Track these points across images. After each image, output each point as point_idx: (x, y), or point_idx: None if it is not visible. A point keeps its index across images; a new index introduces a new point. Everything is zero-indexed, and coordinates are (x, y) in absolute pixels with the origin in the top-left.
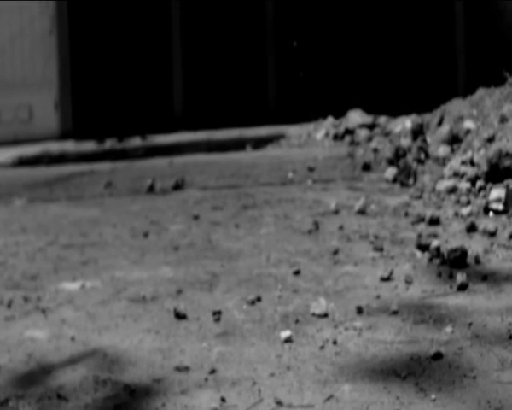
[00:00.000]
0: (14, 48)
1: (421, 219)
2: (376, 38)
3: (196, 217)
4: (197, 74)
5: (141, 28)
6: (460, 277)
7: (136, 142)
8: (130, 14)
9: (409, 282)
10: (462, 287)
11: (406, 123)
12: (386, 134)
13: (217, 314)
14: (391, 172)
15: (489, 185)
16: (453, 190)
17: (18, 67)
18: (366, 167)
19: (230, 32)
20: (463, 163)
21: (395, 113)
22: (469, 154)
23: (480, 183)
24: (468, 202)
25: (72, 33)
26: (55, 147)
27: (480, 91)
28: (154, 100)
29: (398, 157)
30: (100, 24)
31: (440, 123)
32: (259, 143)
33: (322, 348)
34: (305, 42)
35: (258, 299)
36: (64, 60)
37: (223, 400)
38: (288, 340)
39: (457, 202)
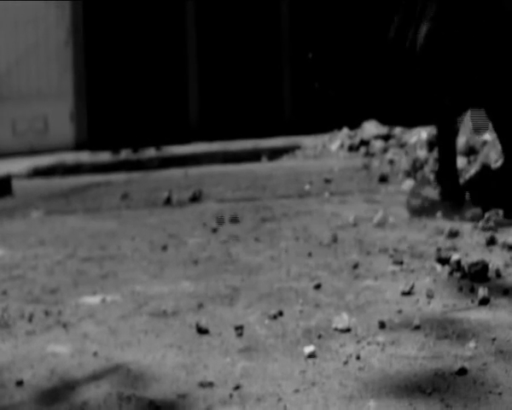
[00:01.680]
0: (29, 59)
1: (440, 232)
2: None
3: (215, 230)
4: (212, 85)
5: (156, 40)
6: (482, 291)
7: (151, 153)
8: (145, 26)
9: (430, 296)
10: (484, 301)
11: (422, 134)
12: (402, 145)
13: (239, 329)
14: (408, 184)
15: None
16: None
17: (33, 79)
18: (383, 179)
19: (246, 43)
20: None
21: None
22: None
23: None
24: None
25: (88, 45)
26: (70, 158)
27: None
28: (170, 111)
29: (415, 169)
30: (115, 36)
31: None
32: (275, 153)
33: (345, 363)
34: (320, 53)
35: (280, 313)
36: (79, 71)
37: None
38: (312, 355)
39: None
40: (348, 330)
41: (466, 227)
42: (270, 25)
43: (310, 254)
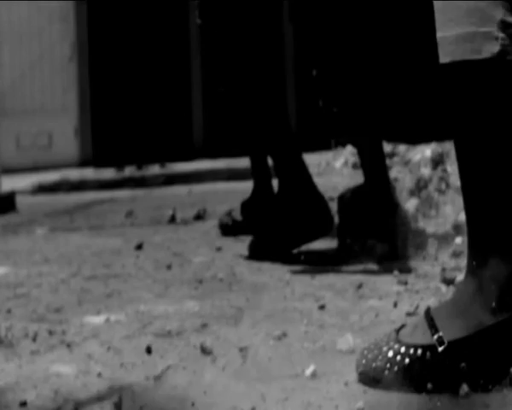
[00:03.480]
0: (33, 74)
1: (444, 252)
2: (394, 64)
3: (219, 249)
4: (216, 102)
5: (161, 56)
6: None
7: (155, 170)
8: (150, 42)
9: None
10: None
11: (426, 152)
12: (406, 163)
13: (243, 350)
14: (413, 203)
15: None
16: None
17: (37, 94)
18: None
19: (249, 60)
20: None
21: (414, 140)
22: None
23: None
24: None
25: (92, 61)
26: (74, 174)
27: None
28: (174, 127)
29: (419, 188)
30: (120, 52)
31: None
32: None
33: (350, 385)
34: (324, 70)
35: (285, 335)
36: (84, 87)
37: None
38: (316, 377)
39: None
40: (353, 351)
41: None
42: (275, 42)
43: (314, 274)
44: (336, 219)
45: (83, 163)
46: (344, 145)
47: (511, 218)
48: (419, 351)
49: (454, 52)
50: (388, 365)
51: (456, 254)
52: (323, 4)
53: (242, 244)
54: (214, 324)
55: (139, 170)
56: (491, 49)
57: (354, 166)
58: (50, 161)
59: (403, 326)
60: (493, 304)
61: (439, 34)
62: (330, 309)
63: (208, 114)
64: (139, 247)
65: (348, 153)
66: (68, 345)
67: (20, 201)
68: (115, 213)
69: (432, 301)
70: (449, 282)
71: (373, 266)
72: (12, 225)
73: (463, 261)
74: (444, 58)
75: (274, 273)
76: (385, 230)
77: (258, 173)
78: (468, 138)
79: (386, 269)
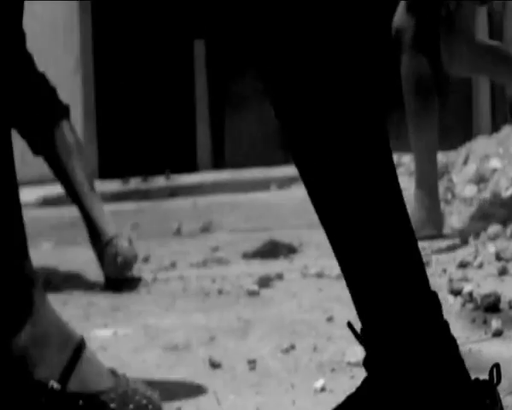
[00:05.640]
0: None
1: (451, 263)
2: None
3: (226, 262)
4: (222, 111)
5: (166, 69)
6: (495, 323)
7: (160, 181)
8: (155, 55)
9: None
10: (498, 333)
11: None
12: (411, 173)
13: (252, 363)
14: None
15: None
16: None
17: None
18: None
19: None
20: (492, 204)
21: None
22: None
23: (510, 225)
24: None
25: (97, 74)
26: None
27: (507, 129)
28: (178, 139)
29: None
30: (125, 64)
31: (466, 162)
32: (285, 182)
33: None
34: None
35: (293, 347)
36: (88, 100)
37: None
38: (325, 389)
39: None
40: (361, 363)
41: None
42: None
43: (321, 286)
44: None
45: (88, 175)
46: None
47: None
48: None
49: None
50: None
51: (463, 265)
52: None
53: (249, 257)
54: (222, 337)
55: (144, 182)
56: None
57: None
58: None
59: None
60: None
61: None
62: (338, 321)
63: (213, 125)
64: (146, 260)
65: None
66: None
67: (26, 214)
68: (121, 226)
69: None
70: (456, 293)
71: None
72: None
73: (471, 272)
74: None
75: (281, 286)
76: None
77: None
78: None
79: None
